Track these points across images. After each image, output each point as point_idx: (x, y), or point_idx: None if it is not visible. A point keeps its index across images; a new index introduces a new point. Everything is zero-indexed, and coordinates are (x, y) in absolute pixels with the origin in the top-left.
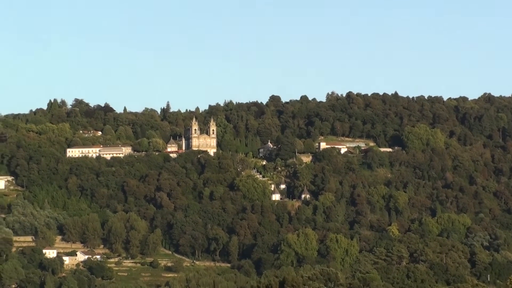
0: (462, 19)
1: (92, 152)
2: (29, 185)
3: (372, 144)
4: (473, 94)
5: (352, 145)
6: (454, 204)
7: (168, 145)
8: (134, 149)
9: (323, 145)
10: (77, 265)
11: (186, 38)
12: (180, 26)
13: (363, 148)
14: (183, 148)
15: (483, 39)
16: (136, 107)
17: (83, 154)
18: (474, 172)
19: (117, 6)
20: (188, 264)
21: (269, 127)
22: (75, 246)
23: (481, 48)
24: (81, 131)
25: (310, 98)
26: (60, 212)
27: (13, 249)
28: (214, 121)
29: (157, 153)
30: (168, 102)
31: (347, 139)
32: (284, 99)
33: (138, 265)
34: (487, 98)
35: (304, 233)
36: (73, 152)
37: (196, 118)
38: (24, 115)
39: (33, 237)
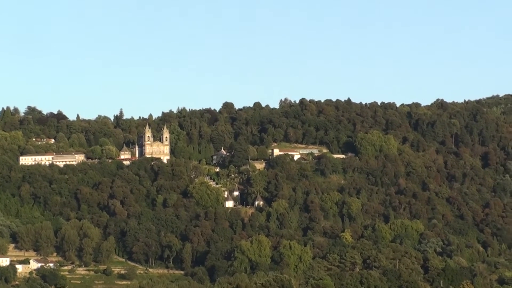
0: (413, 26)
1: (45, 159)
2: None
3: (325, 150)
4: (425, 100)
5: (305, 151)
6: (407, 210)
7: (121, 153)
8: (87, 157)
9: (276, 152)
10: (30, 273)
11: (139, 46)
12: (133, 34)
13: (316, 155)
14: (136, 155)
15: (435, 45)
16: (89, 115)
17: (36, 162)
18: (427, 178)
19: (68, 13)
20: (142, 272)
21: (222, 134)
22: (28, 254)
23: (433, 54)
24: (34, 139)
25: (263, 105)
26: (13, 220)
27: None
28: (167, 128)
29: (110, 161)
30: (121, 109)
31: (300, 145)
32: (237, 106)
33: (92, 272)
34: (440, 104)
35: (258, 240)
36: (26, 160)
37: (149, 125)
38: None
39: None
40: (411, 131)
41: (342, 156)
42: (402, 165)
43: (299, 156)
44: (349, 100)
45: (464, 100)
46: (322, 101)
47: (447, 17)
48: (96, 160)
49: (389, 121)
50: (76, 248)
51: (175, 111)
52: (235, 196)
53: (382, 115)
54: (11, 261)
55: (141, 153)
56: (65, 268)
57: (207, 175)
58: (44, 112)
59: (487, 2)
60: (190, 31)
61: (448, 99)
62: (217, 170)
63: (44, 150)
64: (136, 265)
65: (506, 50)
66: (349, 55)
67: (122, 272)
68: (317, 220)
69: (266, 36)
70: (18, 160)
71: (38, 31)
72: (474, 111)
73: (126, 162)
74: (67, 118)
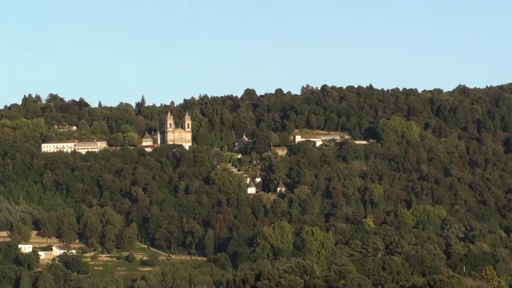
0: (435, 12)
1: (67, 147)
2: (4, 181)
3: (347, 137)
4: (447, 86)
5: (327, 138)
6: (429, 196)
7: (143, 140)
8: (109, 144)
9: (298, 138)
10: (53, 260)
11: (161, 32)
12: (154, 21)
13: (338, 141)
14: (158, 142)
15: (456, 31)
16: (111, 102)
17: (58, 149)
18: (449, 164)
19: (92, 1)
20: (164, 258)
21: (244, 121)
22: (51, 241)
23: (455, 40)
24: (56, 126)
25: (285, 91)
26: (35, 207)
27: None
28: (189, 115)
29: (132, 148)
30: (143, 96)
31: (322, 132)
32: (259, 92)
33: (114, 259)
34: (462, 90)
35: (280, 226)
36: (48, 147)
37: (171, 112)
38: None
39: (8, 232)
40: (433, 117)
41: (364, 142)
42: (424, 151)
43: (321, 142)
44: (371, 86)
45: (486, 86)
46: (344, 87)
47: (468, 2)
48: (118, 147)
49: (411, 107)
50: (98, 234)
51: (197, 98)
52: (257, 182)
53: (404, 101)
54: (33, 248)
55: (163, 140)
56: (88, 254)
57: (229, 162)
58: (66, 99)
59: None
60: (211, 16)
61: (470, 85)
62: (239, 156)
63: (66, 138)
64: (159, 251)
65: None
66: (371, 41)
67: (145, 258)
68: (339, 206)
69: (288, 22)
70: (40, 147)
71: (59, 19)
72: (496, 96)
73: (148, 149)
74: (89, 105)
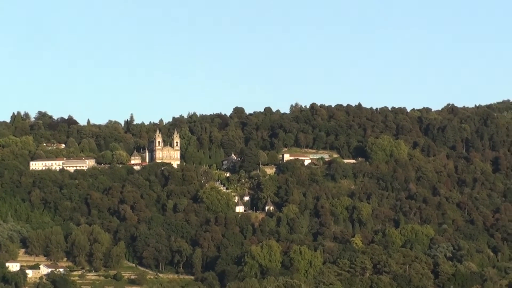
0: (424, 31)
1: (56, 164)
2: None
3: (335, 155)
4: (436, 105)
5: (316, 156)
6: (417, 215)
7: (132, 158)
8: (97, 162)
9: (286, 157)
10: (40, 278)
11: (150, 50)
12: (144, 38)
13: (326, 160)
14: (147, 160)
15: (445, 50)
16: (100, 120)
17: (47, 167)
18: (437, 183)
19: (78, 18)
20: (152, 277)
21: (232, 139)
22: (38, 259)
23: (443, 59)
24: (44, 144)
25: (273, 110)
26: (23, 225)
27: None
28: (177, 133)
29: (120, 166)
30: (131, 114)
31: (310, 150)
32: (248, 110)
33: (102, 278)
34: (451, 109)
35: (268, 245)
36: (37, 165)
37: (159, 130)
38: None
39: None
40: (421, 136)
41: (353, 161)
42: (413, 170)
43: (309, 161)
44: (359, 105)
45: (475, 105)
46: (333, 106)
47: (457, 22)
48: (107, 165)
49: (400, 126)
50: (86, 253)
51: (185, 116)
52: (245, 201)
53: (393, 120)
54: (21, 266)
55: (152, 158)
56: (75, 273)
57: (218, 180)
58: (55, 117)
59: (497, 7)
60: (200, 35)
61: (459, 104)
62: (228, 175)
63: (55, 155)
64: (146, 270)
65: None
66: (360, 60)
67: (132, 277)
68: (327, 225)
69: (277, 41)
70: (28, 165)
71: (48, 36)
72: (484, 116)
73: (137, 167)
74: (78, 123)
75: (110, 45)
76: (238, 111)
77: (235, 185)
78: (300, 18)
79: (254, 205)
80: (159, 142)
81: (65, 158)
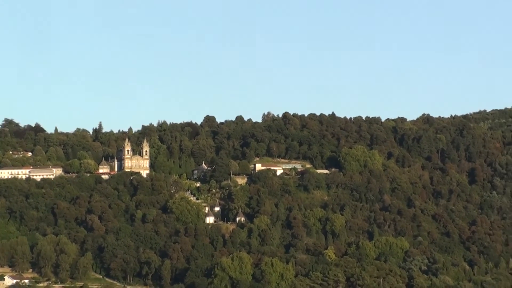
0: (398, 40)
1: (22, 173)
2: None
3: (308, 165)
4: (411, 115)
5: (288, 166)
6: (392, 227)
7: (100, 167)
8: (65, 171)
9: (258, 167)
10: None
11: (118, 58)
12: (113, 46)
13: (299, 170)
14: (115, 169)
15: (420, 59)
16: (68, 128)
17: (13, 176)
18: (412, 195)
19: (49, 24)
20: None
21: (203, 148)
22: (3, 270)
23: (418, 69)
24: (10, 152)
25: (245, 119)
26: None
27: None
28: (147, 141)
29: (88, 175)
30: (100, 122)
31: (283, 160)
32: (219, 119)
33: None
34: (426, 119)
35: (239, 256)
36: (2, 173)
37: (128, 139)
38: None
39: None
40: (396, 147)
41: (326, 171)
42: (387, 181)
43: (281, 171)
44: (333, 114)
45: (451, 115)
46: (306, 115)
47: (432, 31)
48: (74, 174)
49: (374, 136)
50: (52, 264)
51: (155, 125)
52: (216, 211)
53: (367, 130)
54: None
55: (120, 167)
56: (41, 284)
57: (188, 190)
58: (22, 124)
59: (475, 17)
60: (170, 43)
61: (434, 114)
62: (198, 185)
63: (21, 164)
64: (114, 282)
65: (493, 65)
66: (334, 69)
67: None
68: (300, 237)
69: (249, 49)
70: None
71: (14, 42)
72: (460, 126)
73: (105, 176)
74: (45, 131)
75: (78, 53)
76: (209, 119)
77: (206, 195)
78: (272, 25)
79: (225, 216)
80: (128, 150)
81: (31, 167)
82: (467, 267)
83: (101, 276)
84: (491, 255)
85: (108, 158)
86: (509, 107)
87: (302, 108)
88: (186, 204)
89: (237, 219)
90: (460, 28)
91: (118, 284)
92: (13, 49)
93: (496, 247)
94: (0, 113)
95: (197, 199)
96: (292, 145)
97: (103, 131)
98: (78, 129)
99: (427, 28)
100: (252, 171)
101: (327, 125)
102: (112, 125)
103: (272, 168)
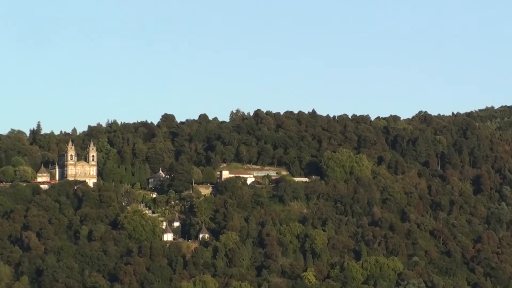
0: (392, 23)
1: None
2: None
3: (284, 172)
4: (406, 113)
5: (261, 174)
6: (382, 245)
7: (39, 175)
8: None
9: (225, 174)
10: None
11: (61, 47)
12: (56, 35)
13: (273, 178)
14: (57, 178)
15: (417, 47)
16: (0, 129)
17: None
18: (407, 207)
19: None
20: None
21: (160, 153)
22: None
23: (415, 59)
24: None
25: (210, 118)
26: None
27: None
28: (94, 145)
29: (24, 184)
30: (39, 122)
31: (254, 167)
32: (179, 118)
33: None
34: (423, 118)
35: (202, 280)
36: None
37: (72, 142)
38: None
39: None
40: (388, 150)
41: (305, 179)
42: (377, 190)
43: (253, 179)
44: (313, 112)
45: (452, 113)
46: (282, 113)
47: (430, 13)
48: (8, 183)
49: (362, 138)
50: None
51: (104, 125)
52: (175, 227)
53: (354, 131)
54: None
55: (63, 175)
56: None
57: (142, 202)
58: None
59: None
60: (123, 33)
61: (433, 112)
62: (154, 196)
63: None
64: None
65: (501, 55)
66: (314, 59)
67: None
68: (274, 257)
69: (215, 37)
70: None
71: None
72: (464, 126)
73: (44, 186)
74: None
75: (14, 41)
76: (168, 118)
77: (163, 208)
78: (241, 10)
79: (185, 232)
80: (71, 155)
81: None
82: None
83: None
84: (499, 277)
85: (48, 164)
86: None
87: (277, 105)
88: (140, 219)
89: (200, 236)
90: (461, 8)
91: None
92: None
93: (506, 268)
94: None
95: (153, 212)
96: (265, 149)
97: (42, 132)
98: (12, 130)
99: (424, 9)
100: (218, 180)
101: (307, 124)
102: (52, 126)
103: (241, 176)
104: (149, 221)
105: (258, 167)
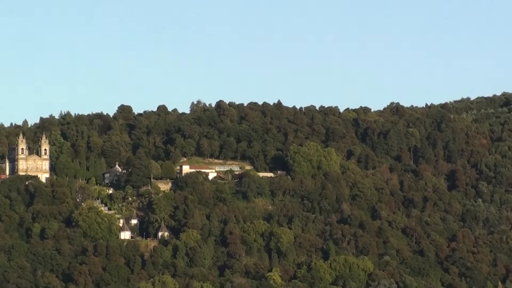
0: (361, 12)
1: None
2: None
3: (248, 167)
4: (377, 104)
5: (223, 169)
6: (352, 244)
7: None
8: None
9: (185, 169)
10: None
11: (12, 33)
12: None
13: (236, 173)
14: (7, 173)
15: (388, 37)
16: None
17: None
18: (377, 203)
19: None
20: None
21: (117, 146)
22: None
23: (386, 47)
24: None
25: (169, 109)
26: None
27: None
28: (46, 138)
29: None
30: None
31: (216, 161)
32: (137, 110)
33: None
34: (395, 109)
35: (161, 281)
36: None
37: (23, 135)
38: None
39: None
40: (358, 144)
41: (270, 174)
42: (347, 186)
43: (215, 174)
44: (279, 103)
45: (426, 105)
46: (245, 104)
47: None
48: None
49: (330, 131)
50: None
51: (56, 117)
52: (133, 225)
53: (321, 123)
54: None
55: (13, 170)
56: None
57: (97, 199)
58: None
59: None
60: (79, 18)
61: (405, 103)
62: (110, 192)
63: None
64: None
65: (479, 42)
66: (279, 48)
67: None
68: (238, 257)
69: (175, 23)
70: None
71: None
72: (438, 118)
73: None
74: None
75: None
76: (124, 110)
77: (120, 205)
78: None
79: (144, 230)
80: (22, 149)
81: None
82: None
83: None
84: (475, 278)
85: None
86: (498, 94)
87: (241, 95)
88: (95, 216)
89: (159, 234)
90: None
91: None
92: None
93: (482, 268)
94: None
95: (110, 209)
96: (228, 142)
97: None
98: None
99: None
100: (178, 175)
101: (272, 116)
102: (2, 118)
103: (202, 170)
104: (105, 219)
105: (220, 161)
